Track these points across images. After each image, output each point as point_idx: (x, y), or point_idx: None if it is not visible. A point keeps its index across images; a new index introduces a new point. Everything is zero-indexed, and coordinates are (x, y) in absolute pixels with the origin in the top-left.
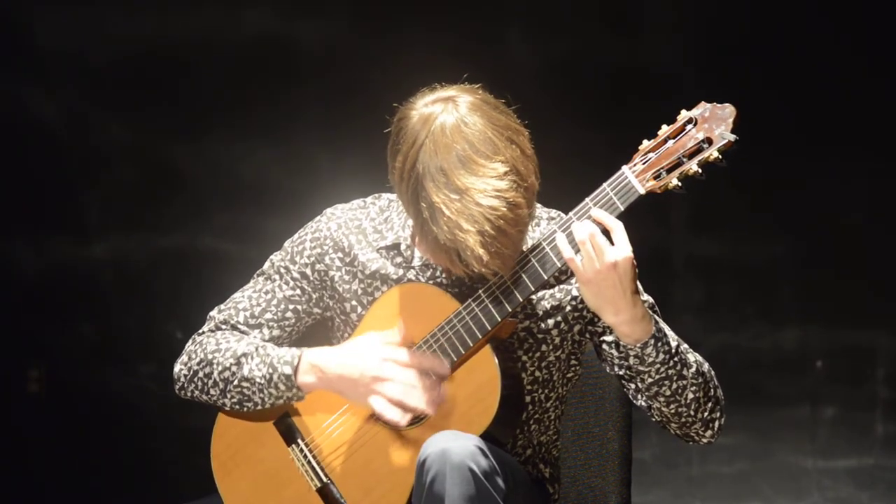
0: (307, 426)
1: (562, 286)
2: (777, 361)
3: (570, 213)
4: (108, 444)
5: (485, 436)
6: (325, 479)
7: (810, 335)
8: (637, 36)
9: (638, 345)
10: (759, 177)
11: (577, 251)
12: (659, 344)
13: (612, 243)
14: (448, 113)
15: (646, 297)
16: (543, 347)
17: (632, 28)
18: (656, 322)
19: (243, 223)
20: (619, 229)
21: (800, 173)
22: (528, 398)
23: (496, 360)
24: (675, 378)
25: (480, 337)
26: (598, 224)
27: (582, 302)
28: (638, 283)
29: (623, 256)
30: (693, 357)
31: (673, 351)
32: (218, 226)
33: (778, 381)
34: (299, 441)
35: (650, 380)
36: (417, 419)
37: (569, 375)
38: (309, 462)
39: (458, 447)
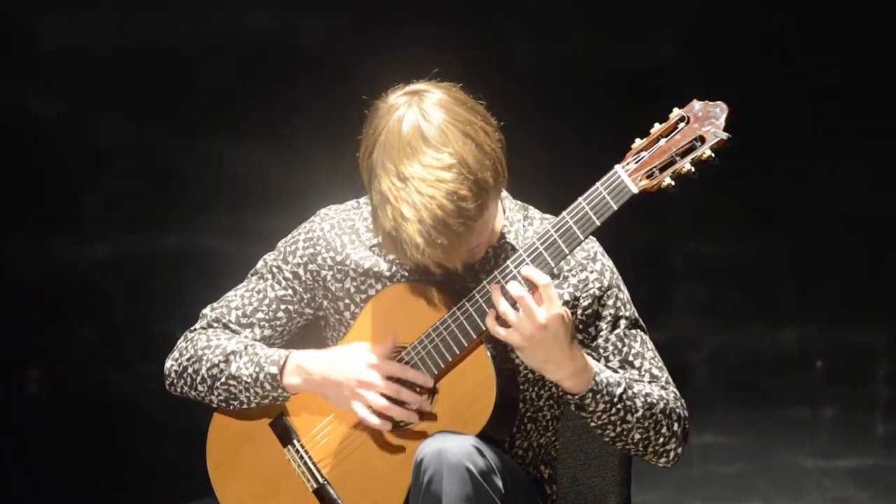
0: (303, 427)
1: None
2: (777, 361)
3: (564, 213)
4: (108, 444)
5: (481, 436)
6: (321, 480)
7: (810, 335)
8: (637, 36)
9: (576, 397)
10: (758, 176)
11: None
12: (598, 396)
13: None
14: (409, 106)
15: (629, 311)
16: None
17: (631, 28)
18: (596, 374)
19: (243, 223)
20: (546, 286)
21: (800, 173)
22: (519, 396)
23: (491, 360)
24: (617, 423)
25: (475, 337)
26: (528, 281)
27: (573, 307)
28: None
29: (552, 314)
30: (642, 400)
31: (615, 399)
32: (218, 226)
33: (778, 381)
34: (295, 442)
35: (592, 424)
36: (400, 425)
37: None
38: (305, 463)
39: (455, 447)
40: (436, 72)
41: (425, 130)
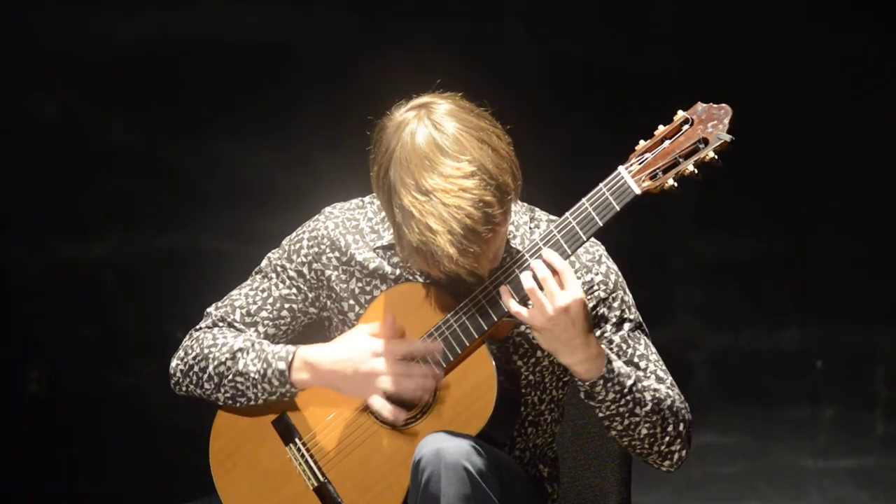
0: (305, 425)
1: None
2: (777, 361)
3: (566, 213)
4: (108, 444)
5: (482, 436)
6: (322, 479)
7: (810, 335)
8: (637, 36)
9: (587, 383)
10: (759, 176)
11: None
12: (609, 384)
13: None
14: (419, 118)
15: (634, 314)
16: (538, 353)
17: (632, 28)
18: (609, 362)
19: (243, 223)
20: (567, 271)
21: (800, 172)
22: (521, 398)
23: (493, 360)
24: (626, 415)
25: (477, 337)
26: (549, 265)
27: None
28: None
29: (574, 299)
30: (651, 395)
31: (625, 390)
32: (218, 226)
33: (778, 381)
34: (297, 440)
35: (601, 415)
36: (414, 417)
37: (565, 379)
38: (306, 461)
39: (453, 447)
40: (438, 83)
41: (440, 141)
